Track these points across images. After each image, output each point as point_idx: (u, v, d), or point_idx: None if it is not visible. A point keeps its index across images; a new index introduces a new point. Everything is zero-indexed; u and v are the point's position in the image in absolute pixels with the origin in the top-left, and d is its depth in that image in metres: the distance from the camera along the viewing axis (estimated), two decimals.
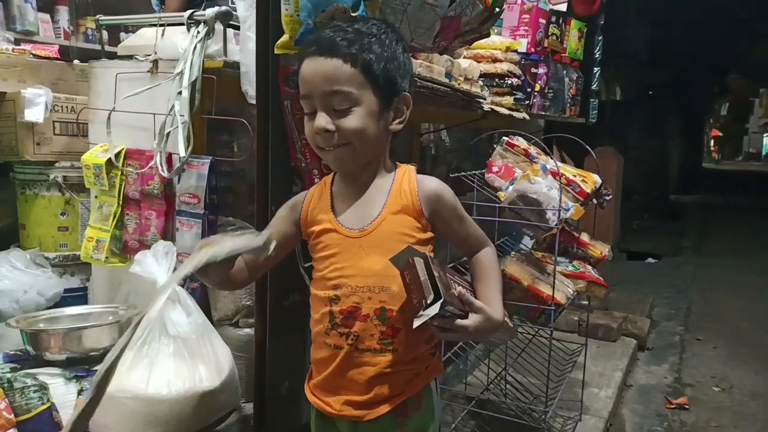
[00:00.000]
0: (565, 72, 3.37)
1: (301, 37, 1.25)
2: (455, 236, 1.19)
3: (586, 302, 2.67)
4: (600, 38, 3.75)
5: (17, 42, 2.35)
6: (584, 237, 2.34)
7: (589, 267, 2.29)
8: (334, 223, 1.13)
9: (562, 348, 2.62)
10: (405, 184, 1.13)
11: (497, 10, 1.42)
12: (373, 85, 1.05)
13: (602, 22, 3.78)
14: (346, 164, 1.11)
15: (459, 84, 2.06)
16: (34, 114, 2.04)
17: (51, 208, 2.18)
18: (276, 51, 1.30)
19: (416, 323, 0.99)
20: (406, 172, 1.16)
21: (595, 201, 2.24)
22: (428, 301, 0.98)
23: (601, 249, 2.34)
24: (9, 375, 1.47)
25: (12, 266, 2.08)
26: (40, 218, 2.18)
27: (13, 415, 1.41)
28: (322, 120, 1.04)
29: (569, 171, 2.08)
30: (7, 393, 1.43)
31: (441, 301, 0.97)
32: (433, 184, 1.13)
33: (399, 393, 1.12)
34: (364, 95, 1.04)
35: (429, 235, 1.13)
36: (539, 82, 3.02)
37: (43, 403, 1.44)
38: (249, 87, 1.57)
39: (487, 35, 1.51)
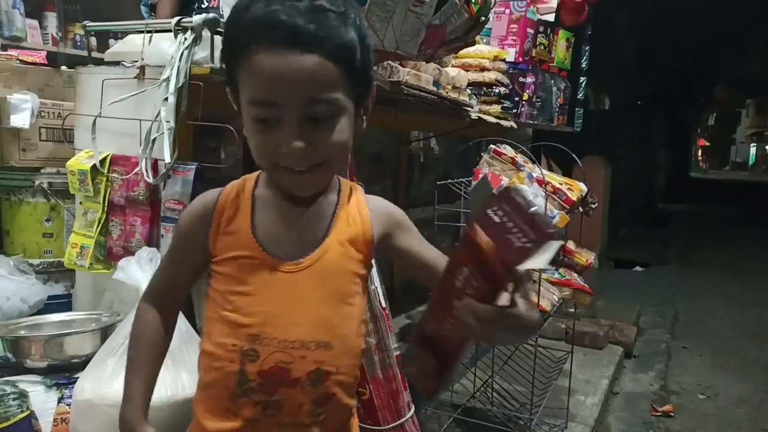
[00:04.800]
0: (552, 81, 3.40)
1: None
2: (420, 261, 0.95)
3: (572, 310, 2.68)
4: (587, 48, 3.80)
5: (4, 48, 2.33)
6: (570, 245, 2.36)
7: (575, 275, 2.31)
8: (255, 248, 0.85)
9: (548, 355, 2.63)
10: (354, 209, 0.90)
11: (483, 18, 1.43)
12: (352, 83, 0.81)
13: (590, 33, 3.82)
14: (317, 187, 0.86)
15: (447, 92, 2.08)
16: (20, 120, 2.02)
17: (36, 214, 2.16)
18: None
19: (537, 263, 0.63)
20: (353, 192, 0.93)
21: (581, 209, 2.26)
22: (548, 232, 0.62)
23: (587, 257, 2.36)
24: None
25: None
26: (25, 224, 2.16)
27: None
28: (298, 137, 0.78)
29: (556, 179, 2.09)
30: None
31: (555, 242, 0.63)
32: (386, 205, 0.95)
33: None
34: (347, 102, 0.81)
35: (367, 272, 0.92)
36: (527, 91, 3.05)
37: (22, 411, 1.42)
38: None
39: (473, 43, 1.52)
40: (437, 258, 0.93)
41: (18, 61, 2.19)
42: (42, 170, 2.14)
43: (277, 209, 0.88)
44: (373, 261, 0.94)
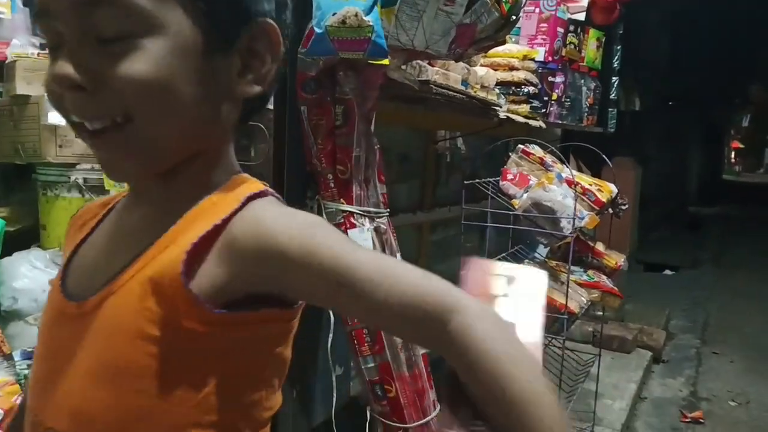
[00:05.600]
0: (582, 81, 3.36)
1: (313, 45, 1.27)
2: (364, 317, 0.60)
3: (601, 313, 2.65)
4: (619, 48, 3.74)
5: (42, 46, 2.39)
6: (599, 246, 2.33)
7: (604, 277, 2.28)
8: (58, 275, 0.62)
9: (575, 358, 2.60)
10: (200, 224, 0.53)
11: (513, 17, 1.42)
12: None
13: (621, 32, 3.76)
14: (118, 165, 0.56)
15: (475, 92, 2.07)
16: (57, 116, 2.08)
17: (71, 209, 2.22)
18: None
19: None
20: (237, 191, 0.56)
21: (611, 210, 2.23)
22: None
23: (616, 259, 2.33)
24: (26, 371, 1.50)
25: (32, 266, 2.11)
26: (61, 219, 2.22)
27: None
28: (68, 59, 0.50)
29: (585, 180, 2.07)
30: (23, 389, 1.46)
31: None
32: (261, 215, 0.54)
33: None
34: (166, 14, 0.51)
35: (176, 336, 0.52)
36: (556, 90, 3.01)
37: None
38: None
39: (503, 43, 1.51)
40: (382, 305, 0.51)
41: None
42: (77, 166, 2.20)
43: (119, 214, 0.63)
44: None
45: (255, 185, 0.59)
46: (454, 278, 0.57)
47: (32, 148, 2.19)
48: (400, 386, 1.53)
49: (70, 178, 2.20)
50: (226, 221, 0.53)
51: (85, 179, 2.20)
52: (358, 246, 0.54)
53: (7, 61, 2.21)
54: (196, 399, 0.53)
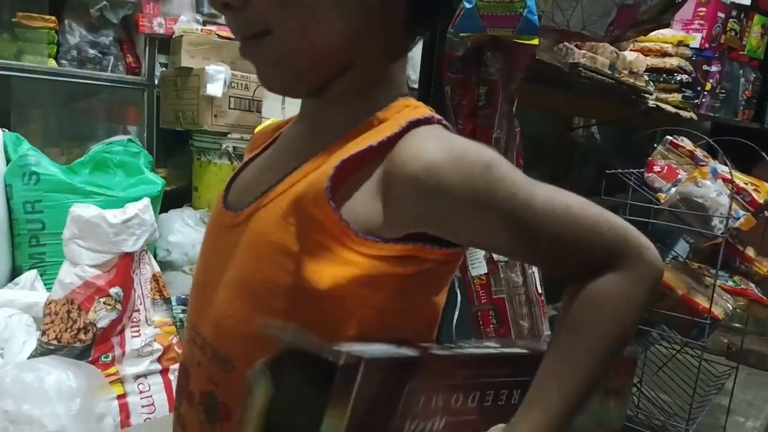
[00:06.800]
0: (741, 71, 3.08)
1: (461, 21, 1.26)
2: (510, 253, 0.60)
3: (739, 325, 2.45)
4: None
5: (204, 23, 2.60)
6: (750, 252, 2.14)
7: (752, 285, 2.10)
8: (221, 192, 0.65)
9: (708, 369, 2.43)
10: (363, 136, 0.52)
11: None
12: None
13: None
14: (264, 75, 0.56)
15: (623, 77, 1.97)
16: (215, 89, 2.26)
17: (221, 174, 2.41)
18: None
19: None
20: (402, 114, 0.53)
21: (766, 213, 2.04)
22: None
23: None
24: (181, 315, 1.67)
25: (185, 223, 2.34)
26: (211, 182, 2.43)
27: (181, 350, 1.61)
28: None
29: (740, 178, 1.91)
30: (178, 330, 1.62)
31: None
32: (429, 150, 0.48)
33: None
34: None
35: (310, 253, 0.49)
36: (711, 80, 2.79)
37: None
38: (411, 71, 1.61)
39: (668, 25, 1.42)
40: (554, 248, 0.50)
41: (216, 36, 2.44)
42: (228, 135, 2.38)
43: (285, 133, 0.65)
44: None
45: (420, 110, 0.55)
46: None
47: (191, 116, 2.41)
48: None
49: (221, 145, 2.39)
50: (384, 144, 0.50)
51: (234, 147, 2.39)
52: (533, 182, 0.51)
53: (174, 36, 2.43)
54: (332, 332, 0.48)
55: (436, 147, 0.47)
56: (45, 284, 1.87)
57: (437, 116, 0.54)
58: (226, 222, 0.58)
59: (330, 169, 0.49)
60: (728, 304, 1.79)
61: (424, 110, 0.54)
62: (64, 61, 2.43)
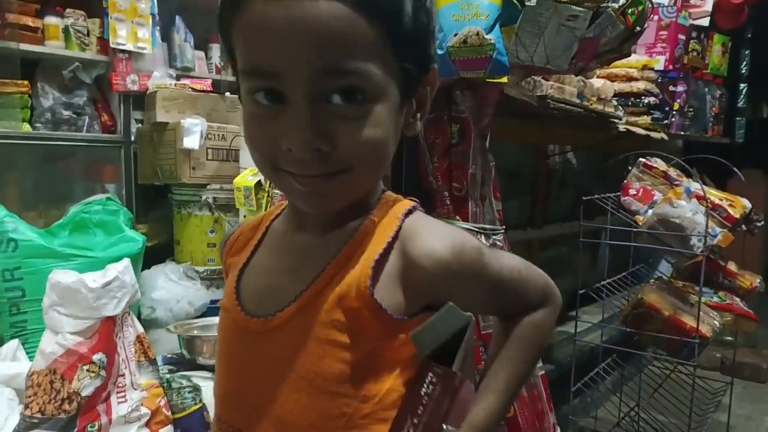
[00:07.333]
0: (707, 89, 3.17)
1: None
2: (482, 308, 0.75)
3: (730, 338, 2.45)
4: (747, 52, 3.48)
5: (178, 77, 2.62)
6: (731, 266, 2.16)
7: (737, 299, 2.11)
8: (231, 295, 0.65)
9: (703, 386, 2.42)
10: (376, 243, 0.59)
11: (639, 28, 1.38)
12: (396, 53, 0.55)
13: (750, 35, 3.51)
14: (332, 204, 0.59)
15: (591, 104, 2.01)
16: (191, 141, 2.26)
17: (202, 226, 2.40)
18: None
19: None
20: (394, 210, 0.62)
21: (744, 227, 2.07)
22: None
23: (751, 280, 2.15)
24: (168, 376, 1.63)
25: (168, 278, 2.30)
26: (192, 235, 2.41)
27: (170, 412, 1.57)
28: (307, 128, 0.53)
29: (715, 194, 1.94)
30: (166, 392, 1.59)
31: None
32: (437, 248, 0.58)
33: None
34: (389, 83, 0.56)
35: (361, 342, 0.58)
36: (678, 100, 2.86)
37: (196, 404, 1.57)
38: None
39: (628, 55, 1.46)
40: (504, 301, 0.66)
41: (190, 89, 2.46)
42: (207, 186, 2.38)
43: (281, 239, 0.66)
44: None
45: (405, 203, 0.65)
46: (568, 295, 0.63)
47: (169, 170, 2.40)
48: (519, 407, 1.50)
49: (201, 197, 2.38)
50: (395, 238, 0.60)
51: (214, 198, 2.38)
52: (497, 253, 0.66)
53: (148, 92, 2.45)
54: (379, 396, 0.58)
55: (441, 245, 0.58)
56: (27, 353, 1.82)
57: (416, 203, 0.65)
58: (253, 328, 0.61)
59: (368, 269, 0.57)
60: (715, 321, 1.79)
61: (407, 202, 0.64)
62: (38, 124, 2.43)
